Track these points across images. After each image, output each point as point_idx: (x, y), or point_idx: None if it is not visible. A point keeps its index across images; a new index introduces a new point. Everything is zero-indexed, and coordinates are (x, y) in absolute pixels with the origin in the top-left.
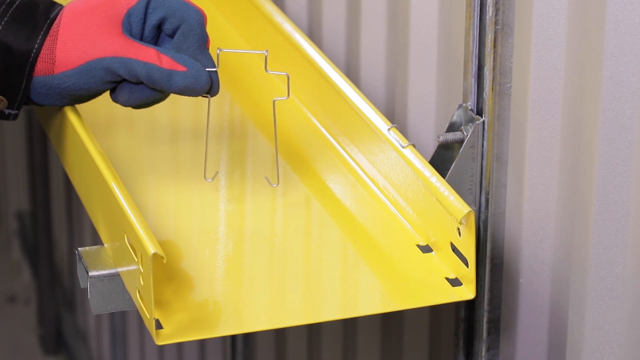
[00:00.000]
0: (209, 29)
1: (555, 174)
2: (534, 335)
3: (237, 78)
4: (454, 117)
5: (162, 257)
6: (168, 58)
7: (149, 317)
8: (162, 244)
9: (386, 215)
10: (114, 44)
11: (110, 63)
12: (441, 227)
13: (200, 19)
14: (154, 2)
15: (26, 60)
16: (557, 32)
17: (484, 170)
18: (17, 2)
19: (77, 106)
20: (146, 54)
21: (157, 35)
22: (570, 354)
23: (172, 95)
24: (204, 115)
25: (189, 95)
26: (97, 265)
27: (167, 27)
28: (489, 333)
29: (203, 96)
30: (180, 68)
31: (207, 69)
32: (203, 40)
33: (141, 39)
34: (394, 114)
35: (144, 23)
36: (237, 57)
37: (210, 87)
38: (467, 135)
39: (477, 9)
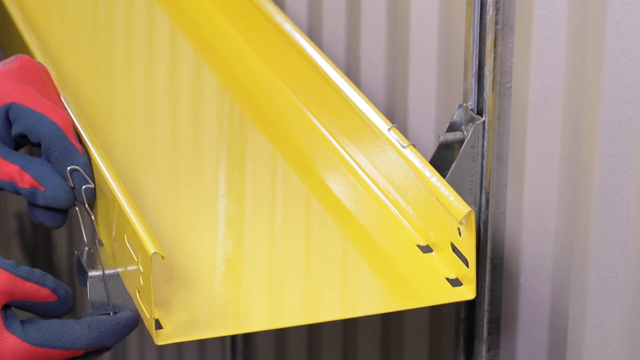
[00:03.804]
0: (209, 29)
1: (556, 174)
2: (534, 336)
3: (237, 77)
4: (454, 117)
5: (162, 257)
6: (29, 177)
7: (148, 317)
8: (161, 243)
9: (386, 215)
10: None
11: None
12: (441, 227)
13: (57, 133)
14: (12, 113)
15: None
16: (557, 32)
17: (484, 170)
18: None
19: (77, 103)
20: (9, 172)
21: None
22: (571, 354)
23: (172, 95)
24: (205, 114)
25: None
26: (96, 265)
27: (32, 140)
28: (489, 333)
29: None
30: (40, 187)
31: (84, 186)
32: (67, 153)
33: (15, 140)
34: (394, 114)
35: (10, 127)
36: (236, 56)
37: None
38: (468, 135)
39: (478, 8)
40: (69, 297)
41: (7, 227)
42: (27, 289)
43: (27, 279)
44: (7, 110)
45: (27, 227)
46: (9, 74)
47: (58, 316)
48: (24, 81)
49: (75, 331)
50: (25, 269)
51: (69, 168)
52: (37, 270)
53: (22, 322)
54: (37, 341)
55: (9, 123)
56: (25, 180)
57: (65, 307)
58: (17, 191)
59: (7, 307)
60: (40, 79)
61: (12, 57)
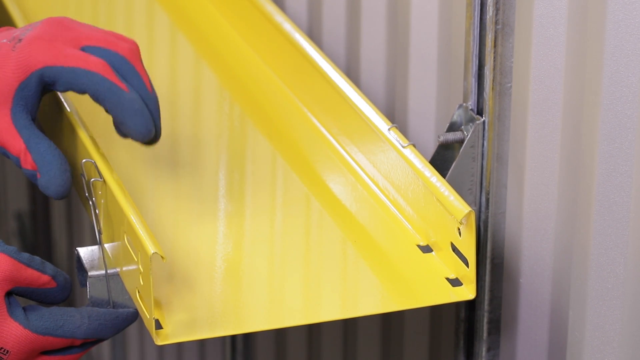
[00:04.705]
0: (209, 29)
1: (556, 174)
2: (534, 336)
3: (237, 77)
4: (455, 117)
5: (162, 257)
6: (31, 160)
7: (148, 317)
8: (161, 243)
9: (386, 215)
10: None
11: None
12: (441, 227)
13: (94, 78)
14: (48, 77)
15: None
16: (557, 31)
17: (484, 170)
18: None
19: (78, 105)
20: (18, 148)
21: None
22: (571, 355)
23: (172, 95)
24: (205, 115)
25: None
26: (96, 265)
27: (80, 94)
28: (489, 333)
29: (145, 144)
30: (37, 174)
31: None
32: (111, 94)
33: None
34: (394, 114)
35: (40, 93)
36: (236, 56)
37: (65, 187)
38: (468, 135)
39: (478, 8)
40: (68, 284)
41: (7, 227)
42: (29, 276)
43: (28, 265)
44: (42, 75)
45: (27, 227)
46: (34, 39)
47: (56, 303)
48: (51, 38)
49: (76, 320)
50: (26, 255)
51: (83, 160)
52: (37, 257)
53: (23, 308)
54: (39, 329)
55: (41, 88)
56: (27, 162)
57: (64, 294)
58: (20, 167)
59: (9, 294)
60: (65, 25)
61: (33, 24)
